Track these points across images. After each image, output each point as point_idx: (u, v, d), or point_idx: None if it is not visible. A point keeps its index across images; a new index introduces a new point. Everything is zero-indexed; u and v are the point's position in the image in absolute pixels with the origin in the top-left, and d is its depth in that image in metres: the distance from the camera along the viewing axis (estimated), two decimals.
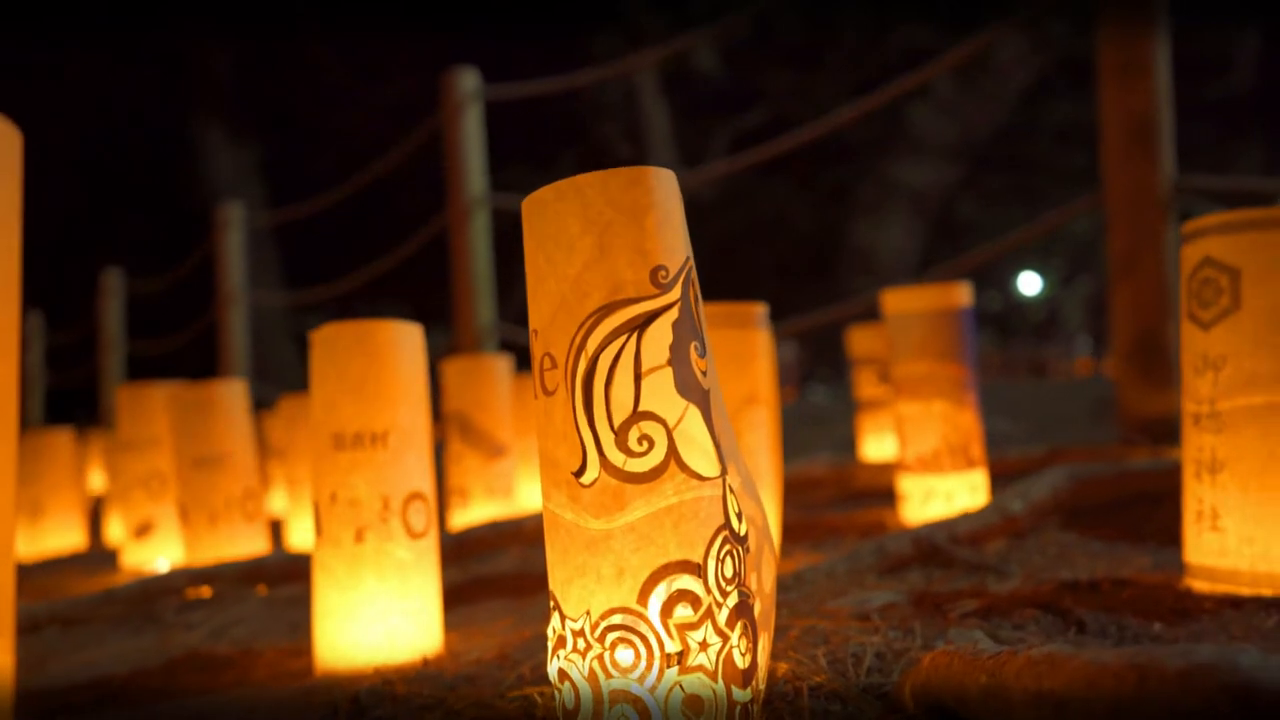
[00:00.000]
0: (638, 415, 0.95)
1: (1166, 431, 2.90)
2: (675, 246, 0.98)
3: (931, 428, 2.28)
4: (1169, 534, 1.77)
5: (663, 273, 0.96)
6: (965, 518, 1.85)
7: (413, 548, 1.57)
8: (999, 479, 2.46)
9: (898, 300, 2.36)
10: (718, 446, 0.98)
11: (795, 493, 2.75)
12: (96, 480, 5.32)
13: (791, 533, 2.29)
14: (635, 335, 0.95)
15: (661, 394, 0.95)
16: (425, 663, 1.50)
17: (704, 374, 0.99)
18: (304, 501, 3.23)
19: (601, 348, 0.95)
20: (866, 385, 3.48)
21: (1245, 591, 1.42)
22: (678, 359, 0.96)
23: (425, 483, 1.61)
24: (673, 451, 0.95)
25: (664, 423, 0.95)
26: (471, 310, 5.24)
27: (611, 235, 0.96)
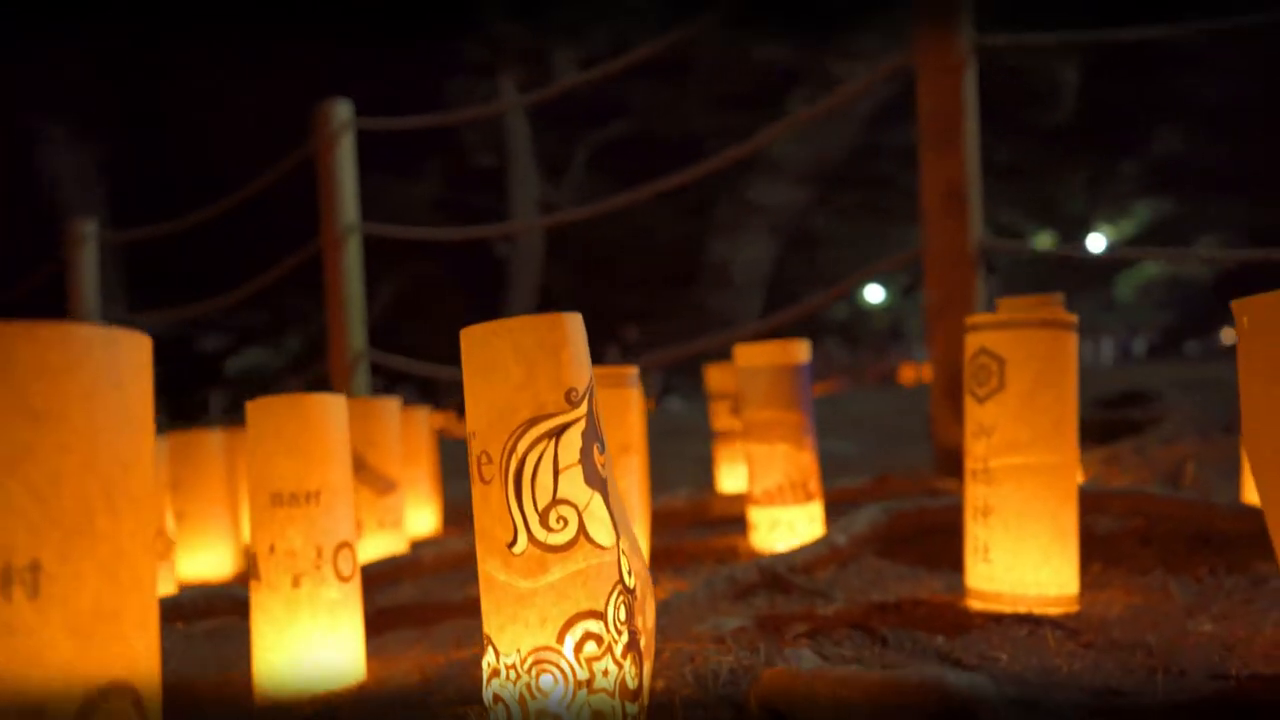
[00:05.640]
0: (556, 501, 1.26)
1: None
2: (582, 373, 1.30)
3: (776, 466, 2.68)
4: (959, 561, 2.20)
5: (574, 393, 1.28)
6: (800, 550, 2.24)
7: (342, 589, 1.83)
8: (833, 507, 2.88)
9: (747, 355, 2.75)
10: (614, 521, 1.31)
11: (660, 521, 3.10)
12: None
13: (657, 559, 2.63)
14: (554, 441, 1.27)
15: (574, 485, 1.27)
16: (360, 688, 1.77)
17: (603, 466, 1.31)
18: (192, 537, 3.36)
19: (528, 450, 1.26)
20: (721, 416, 3.87)
21: (1006, 609, 1.85)
22: (585, 458, 1.28)
23: (351, 533, 1.88)
24: (582, 528, 1.27)
25: (576, 506, 1.27)
26: (344, 337, 5.39)
27: (536, 366, 1.27)
